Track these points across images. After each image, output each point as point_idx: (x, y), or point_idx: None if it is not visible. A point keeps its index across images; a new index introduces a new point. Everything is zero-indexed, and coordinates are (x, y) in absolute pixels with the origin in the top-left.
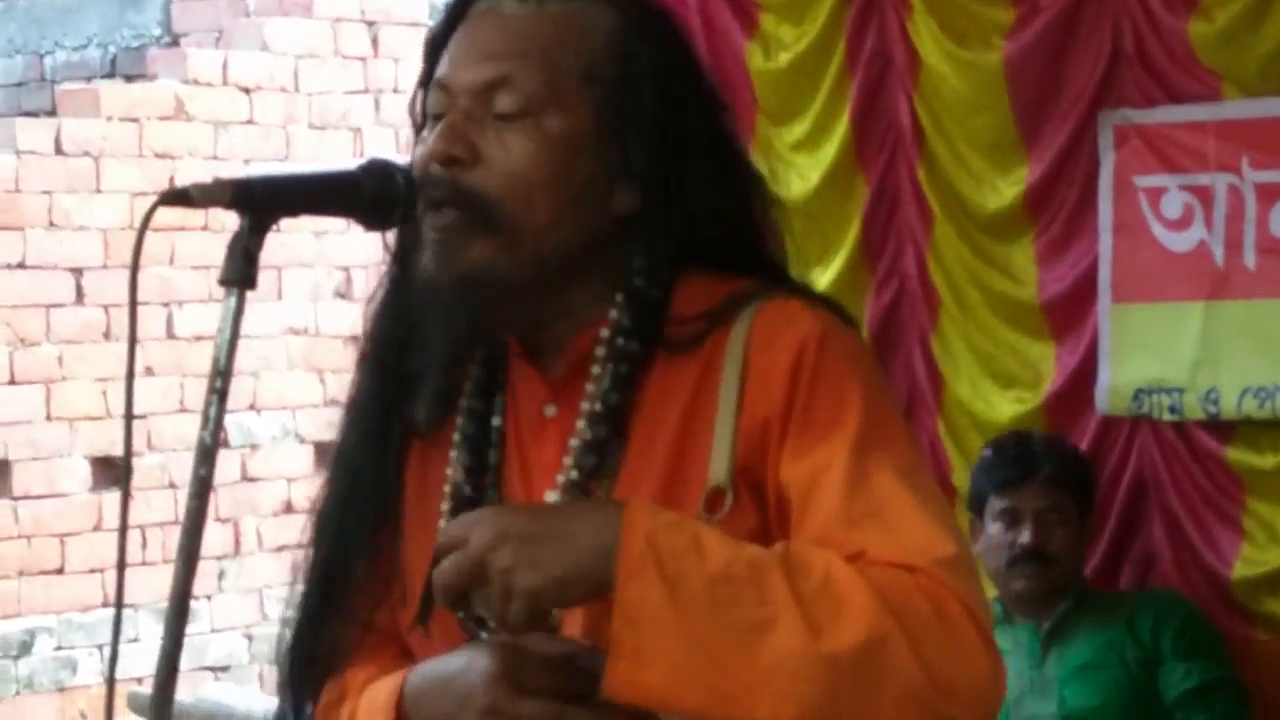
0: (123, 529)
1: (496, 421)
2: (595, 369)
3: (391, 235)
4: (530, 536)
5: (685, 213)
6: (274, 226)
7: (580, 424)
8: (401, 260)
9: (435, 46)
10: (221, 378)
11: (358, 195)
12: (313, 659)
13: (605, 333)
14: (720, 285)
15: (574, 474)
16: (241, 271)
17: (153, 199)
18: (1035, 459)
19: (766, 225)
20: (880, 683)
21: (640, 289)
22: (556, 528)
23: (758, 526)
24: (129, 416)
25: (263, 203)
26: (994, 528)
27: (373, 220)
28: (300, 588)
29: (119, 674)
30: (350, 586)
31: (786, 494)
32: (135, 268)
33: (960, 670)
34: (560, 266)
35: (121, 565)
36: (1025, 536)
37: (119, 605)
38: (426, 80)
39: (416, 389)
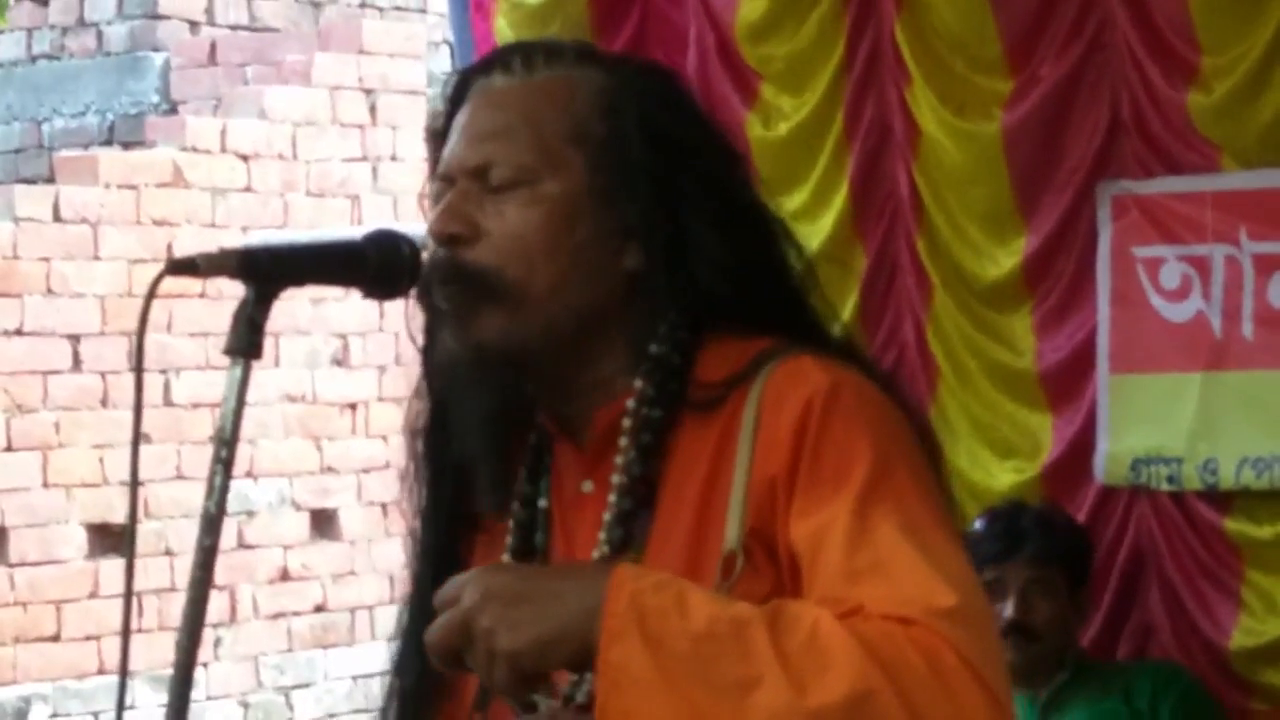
0: (127, 596)
1: (543, 504)
2: (623, 441)
3: (397, 305)
4: (514, 598)
5: (691, 266)
6: (279, 296)
7: (611, 498)
8: (429, 350)
9: (440, 136)
10: (227, 447)
11: (363, 266)
12: None
13: (631, 403)
14: (746, 346)
15: (605, 549)
16: (247, 341)
17: (150, 266)
18: (1021, 533)
19: (787, 271)
20: None
21: (662, 355)
22: (542, 588)
23: (773, 588)
24: (134, 483)
25: (268, 272)
26: None
27: (378, 291)
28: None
29: None
30: (434, 683)
31: (796, 553)
32: (141, 336)
33: None
34: (575, 329)
35: (126, 632)
36: (1008, 610)
37: (123, 674)
38: (434, 170)
39: (470, 478)
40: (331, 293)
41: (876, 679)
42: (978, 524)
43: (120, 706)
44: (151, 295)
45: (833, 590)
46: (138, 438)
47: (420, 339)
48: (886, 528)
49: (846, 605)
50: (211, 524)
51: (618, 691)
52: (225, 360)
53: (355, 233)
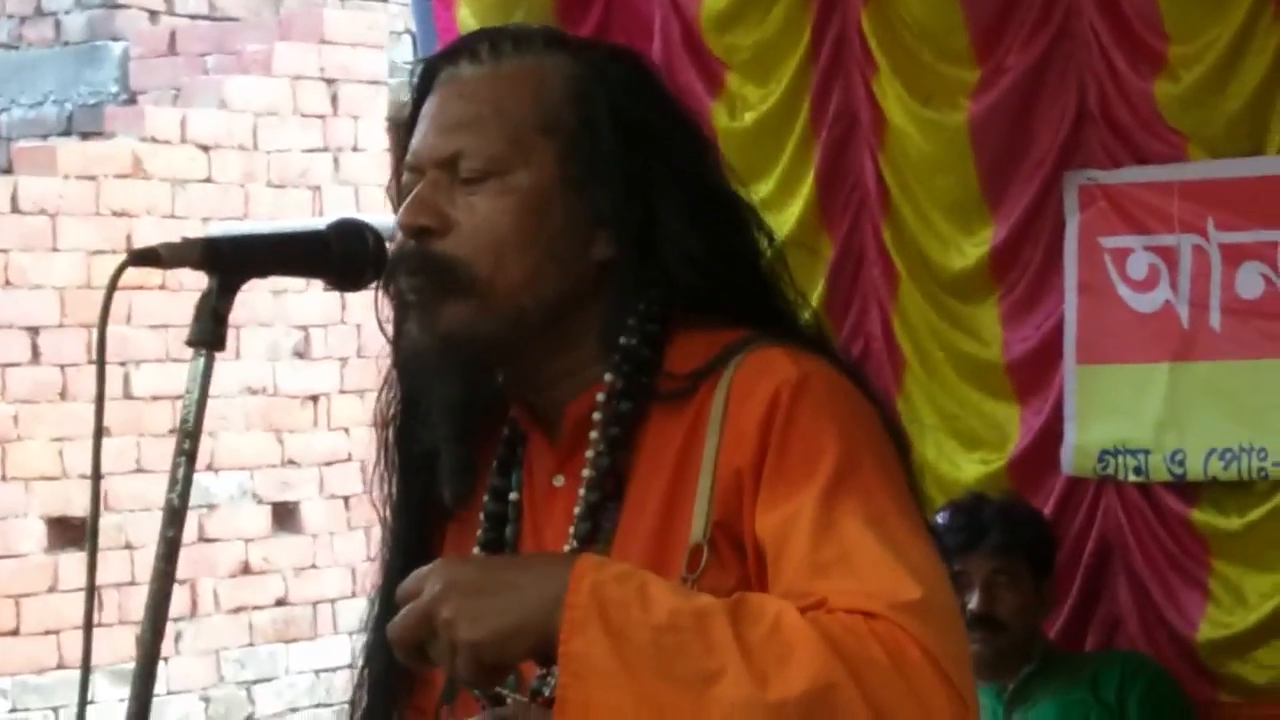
0: (90, 590)
1: (514, 496)
2: (593, 434)
3: (359, 297)
4: (476, 589)
5: (661, 257)
6: (242, 287)
7: (581, 491)
8: (397, 339)
9: (408, 128)
10: (190, 439)
11: (327, 256)
12: None
13: (601, 397)
14: (715, 337)
15: (574, 543)
16: (210, 332)
17: (109, 258)
18: (984, 525)
19: (758, 260)
20: None
21: (632, 348)
22: (503, 580)
23: (739, 582)
24: (96, 476)
25: (232, 263)
26: None
27: (343, 281)
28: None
29: None
30: (401, 678)
31: (762, 546)
32: (103, 328)
33: (917, 716)
34: (544, 321)
35: (88, 627)
36: (973, 602)
37: (85, 668)
38: (402, 162)
39: (437, 470)
40: (293, 284)
41: (838, 672)
42: (939, 517)
43: (82, 702)
44: (114, 286)
45: (797, 583)
46: (99, 431)
47: (389, 330)
48: (852, 521)
49: (811, 599)
50: (175, 516)
51: (578, 683)
52: (186, 353)
53: (318, 223)
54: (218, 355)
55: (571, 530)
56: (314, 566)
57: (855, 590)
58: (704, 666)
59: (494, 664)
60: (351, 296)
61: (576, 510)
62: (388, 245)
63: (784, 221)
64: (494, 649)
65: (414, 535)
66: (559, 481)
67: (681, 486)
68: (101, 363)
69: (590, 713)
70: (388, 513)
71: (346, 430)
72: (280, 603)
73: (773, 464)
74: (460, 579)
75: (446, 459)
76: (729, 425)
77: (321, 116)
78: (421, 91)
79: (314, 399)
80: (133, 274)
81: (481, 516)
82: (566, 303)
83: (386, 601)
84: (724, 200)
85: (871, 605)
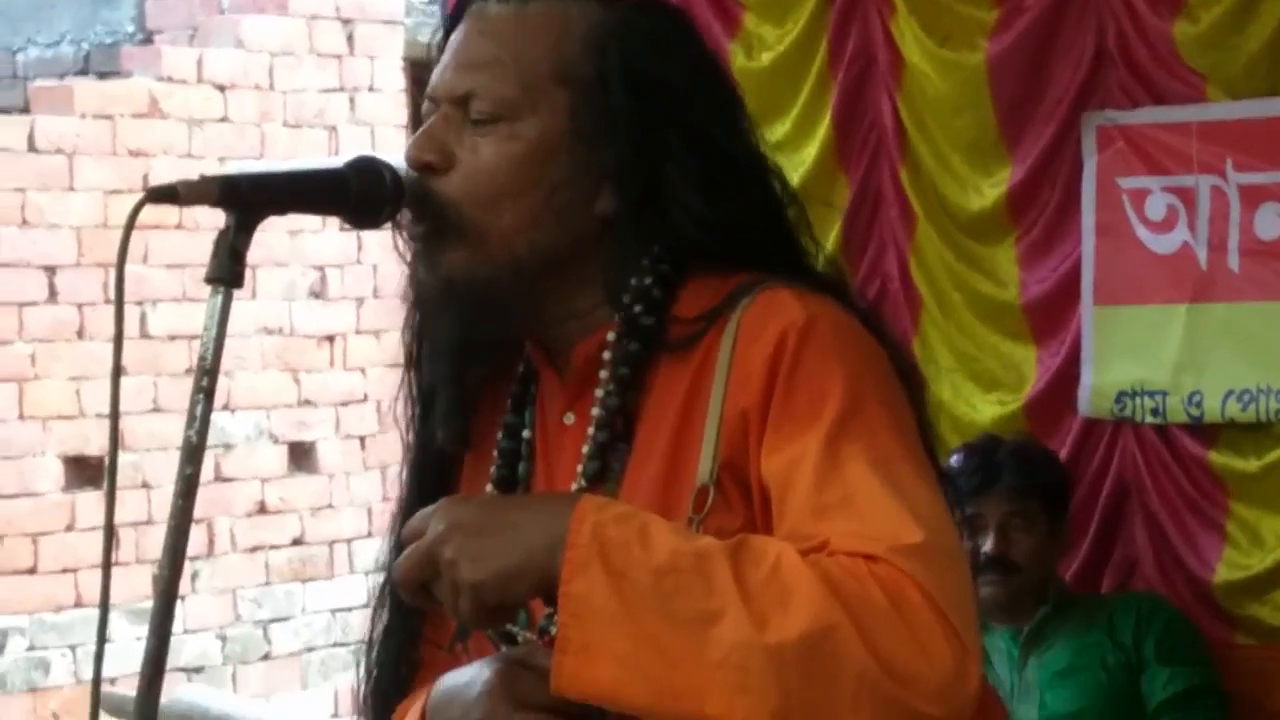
0: (108, 529)
1: (527, 434)
2: (603, 373)
3: (375, 237)
4: (478, 530)
5: (667, 214)
6: (260, 224)
7: (590, 430)
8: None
9: (439, 53)
10: (208, 376)
11: (345, 194)
12: (389, 691)
13: (611, 336)
14: (726, 280)
15: (583, 481)
16: (229, 270)
17: (126, 197)
18: (998, 467)
19: (776, 218)
20: (831, 674)
21: (643, 289)
22: (506, 520)
23: (745, 523)
24: (114, 415)
25: (250, 200)
26: (962, 536)
27: (360, 219)
28: (377, 626)
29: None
30: (415, 619)
31: (767, 488)
32: (121, 265)
33: (918, 660)
34: (543, 268)
35: (106, 565)
36: (987, 544)
37: (104, 606)
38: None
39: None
40: (309, 224)
41: (837, 615)
42: (953, 459)
43: (101, 641)
44: (131, 223)
45: (800, 526)
46: (118, 370)
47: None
48: (857, 464)
49: (813, 541)
50: (193, 453)
51: (579, 623)
52: (203, 292)
53: (335, 162)
54: (235, 295)
55: (580, 469)
56: (330, 506)
57: (857, 533)
58: (704, 608)
59: (496, 604)
60: (368, 237)
61: (585, 449)
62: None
63: (800, 163)
64: (496, 589)
65: (430, 471)
66: (569, 419)
67: (689, 428)
68: (120, 301)
69: (590, 653)
70: (410, 435)
71: (363, 370)
72: (297, 542)
73: (778, 406)
74: (463, 519)
75: (441, 399)
76: (736, 367)
77: (338, 56)
78: (454, 19)
79: (330, 339)
80: (150, 213)
81: (495, 453)
82: (566, 253)
83: (399, 539)
84: (743, 161)
85: (873, 548)
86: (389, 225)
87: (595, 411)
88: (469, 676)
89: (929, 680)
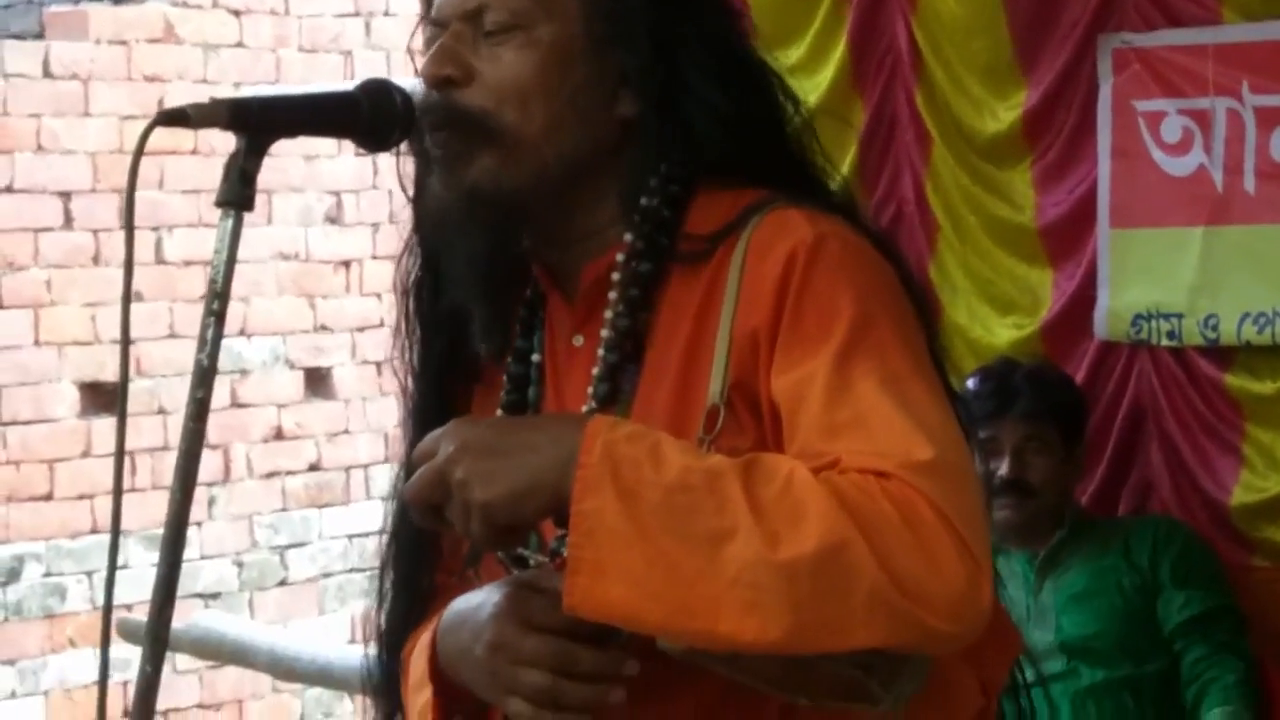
0: (119, 454)
1: (536, 358)
2: (612, 294)
3: (391, 162)
4: (489, 450)
5: (686, 116)
6: (271, 148)
7: (600, 352)
8: (419, 198)
9: None
10: (219, 299)
11: (356, 116)
12: (402, 617)
13: (620, 257)
14: (737, 198)
15: (593, 403)
16: (239, 193)
17: (141, 122)
18: (1014, 390)
19: (785, 126)
20: (843, 590)
21: (652, 209)
22: (517, 440)
23: (755, 443)
24: (125, 339)
25: (260, 123)
26: (977, 460)
27: (371, 142)
28: (389, 551)
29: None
30: (429, 543)
31: (777, 407)
32: (132, 188)
33: (930, 575)
34: (566, 175)
35: (118, 490)
36: (1003, 468)
37: (115, 532)
38: (426, 15)
39: (465, 328)
40: (324, 149)
41: (849, 531)
42: (970, 383)
43: (112, 567)
44: (142, 146)
45: (811, 444)
46: (128, 294)
47: (411, 190)
48: (867, 382)
49: (824, 459)
50: (204, 376)
51: (590, 542)
52: (218, 218)
53: (347, 85)
54: (249, 222)
55: (591, 391)
56: (346, 432)
57: (868, 450)
58: (715, 526)
59: (507, 525)
60: (383, 162)
61: (595, 371)
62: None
63: (816, 87)
64: (507, 509)
65: (435, 399)
66: (578, 341)
67: (699, 348)
68: (130, 224)
69: (602, 572)
70: (408, 379)
71: (379, 296)
72: (313, 468)
73: (788, 326)
74: (473, 440)
75: (479, 315)
76: (745, 287)
77: None
78: None
79: (346, 264)
80: (164, 139)
81: (505, 378)
82: (588, 159)
83: (409, 465)
84: (751, 65)
85: (884, 465)
86: (402, 149)
87: (605, 333)
88: (479, 600)
89: (941, 596)
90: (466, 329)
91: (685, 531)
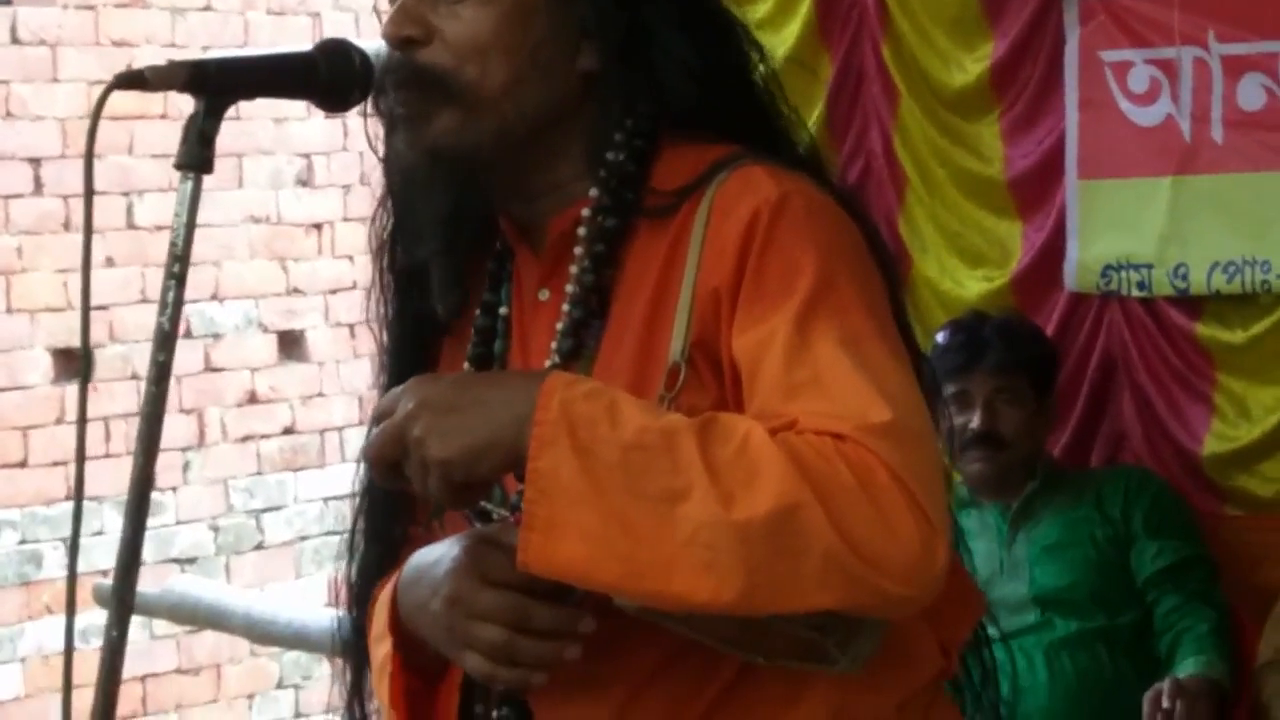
0: (81, 419)
1: (503, 311)
2: (578, 250)
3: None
4: (446, 407)
5: (650, 68)
6: (230, 110)
7: (565, 307)
8: (388, 157)
9: None
10: (180, 262)
11: (315, 76)
12: (369, 570)
13: (586, 211)
14: (703, 153)
15: (557, 358)
16: (198, 156)
17: None
18: (984, 343)
19: (752, 78)
20: (797, 551)
21: (618, 163)
22: (474, 397)
23: (716, 401)
24: (85, 309)
25: (218, 85)
26: (949, 413)
27: (331, 102)
28: (360, 505)
29: (83, 567)
30: (399, 499)
31: (738, 366)
32: (90, 151)
33: (884, 539)
34: (528, 131)
35: (81, 457)
36: (974, 420)
37: (78, 498)
38: None
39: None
40: (294, 111)
41: (804, 493)
42: (939, 337)
43: (74, 539)
44: (99, 109)
45: (769, 404)
46: (88, 259)
47: (381, 149)
48: (826, 342)
49: (781, 419)
50: (166, 339)
51: (545, 499)
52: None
53: (304, 46)
54: (221, 184)
55: (555, 346)
56: (321, 394)
57: (825, 412)
58: (671, 485)
59: (464, 481)
60: (354, 124)
61: (560, 326)
62: (375, 64)
63: (783, 41)
64: (464, 466)
65: (409, 354)
66: (544, 295)
67: (662, 305)
68: (89, 187)
69: (556, 529)
70: (383, 335)
71: (350, 258)
72: (288, 431)
73: (749, 284)
74: (431, 397)
75: (436, 272)
76: (709, 244)
77: None
78: None
79: (318, 227)
80: (134, 103)
81: (472, 331)
82: (551, 113)
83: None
84: (716, 15)
85: (841, 426)
86: (364, 108)
87: (570, 288)
88: (438, 554)
89: (895, 559)
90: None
91: (641, 490)
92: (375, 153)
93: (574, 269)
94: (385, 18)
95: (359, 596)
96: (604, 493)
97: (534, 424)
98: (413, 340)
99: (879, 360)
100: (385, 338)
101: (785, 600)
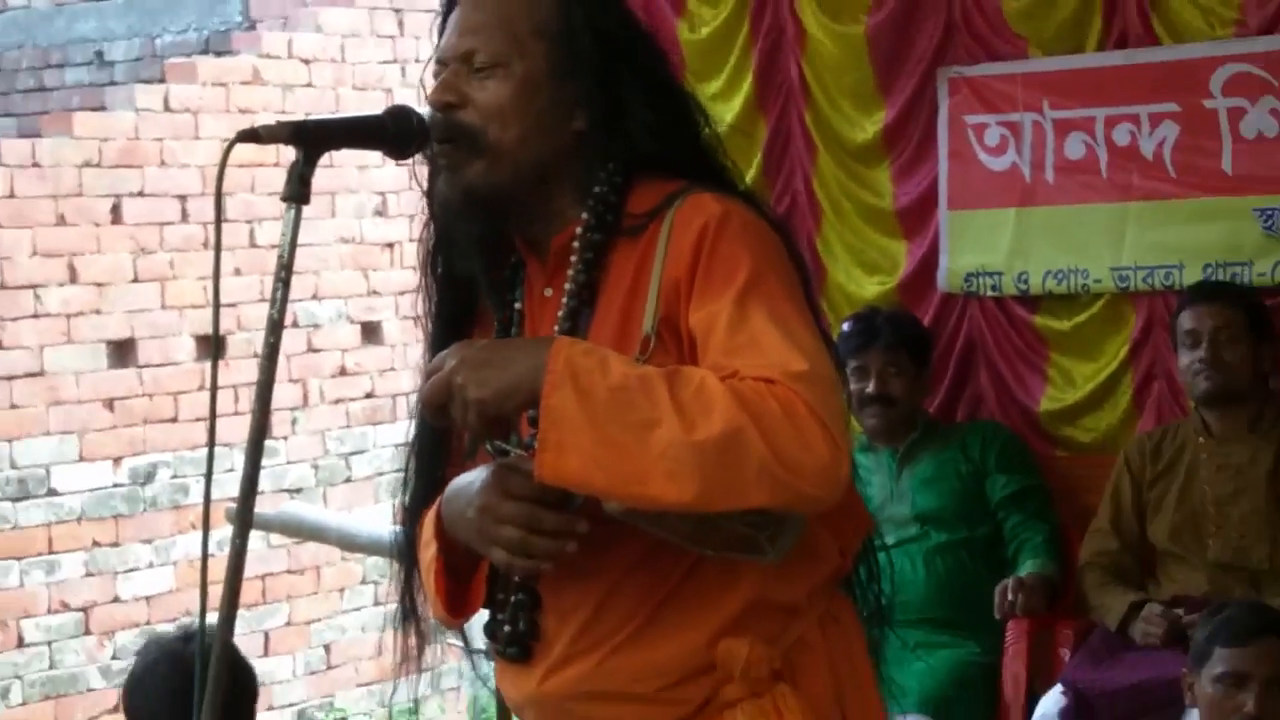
0: (213, 386)
1: (518, 305)
2: (573, 258)
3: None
4: (481, 362)
5: (624, 128)
6: (324, 158)
7: (564, 300)
8: (431, 193)
9: (439, 32)
10: (285, 270)
11: (385, 133)
12: (421, 496)
13: (579, 230)
14: (665, 187)
15: None
16: (298, 191)
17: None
18: (876, 329)
19: (698, 134)
20: (740, 463)
21: (603, 194)
22: (502, 355)
23: (677, 360)
24: (217, 305)
25: (313, 139)
26: (851, 381)
27: (396, 151)
28: (412, 448)
29: (218, 495)
30: (441, 445)
31: (693, 334)
32: (220, 190)
33: (803, 454)
34: (535, 175)
35: (213, 413)
36: (870, 386)
37: (211, 444)
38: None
39: (468, 288)
40: (373, 160)
41: (745, 420)
42: (844, 326)
43: (209, 473)
44: (226, 157)
45: (717, 361)
46: (218, 270)
47: (426, 186)
48: (758, 317)
49: (727, 370)
50: (274, 326)
51: (555, 427)
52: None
53: (377, 111)
54: (318, 214)
55: (556, 329)
56: (393, 369)
57: (759, 364)
58: (647, 416)
59: (495, 417)
60: (417, 169)
61: (560, 314)
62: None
63: (731, 109)
64: (495, 404)
65: (449, 337)
66: (548, 293)
67: (637, 295)
68: (219, 217)
69: (563, 449)
70: (429, 322)
71: (415, 269)
72: (369, 395)
73: (701, 276)
74: (470, 355)
75: (482, 279)
76: (671, 249)
77: (392, 37)
78: (450, 3)
79: (391, 245)
80: (254, 155)
81: (495, 321)
82: (552, 160)
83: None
84: (674, 89)
85: (770, 373)
86: (420, 157)
87: (567, 286)
88: (472, 477)
89: (811, 468)
90: (468, 287)
91: (625, 420)
92: (421, 189)
93: (570, 272)
94: (431, 89)
95: (409, 516)
96: (598, 422)
97: (546, 372)
98: (449, 327)
99: (797, 329)
100: (429, 325)
101: (730, 500)
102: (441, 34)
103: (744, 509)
